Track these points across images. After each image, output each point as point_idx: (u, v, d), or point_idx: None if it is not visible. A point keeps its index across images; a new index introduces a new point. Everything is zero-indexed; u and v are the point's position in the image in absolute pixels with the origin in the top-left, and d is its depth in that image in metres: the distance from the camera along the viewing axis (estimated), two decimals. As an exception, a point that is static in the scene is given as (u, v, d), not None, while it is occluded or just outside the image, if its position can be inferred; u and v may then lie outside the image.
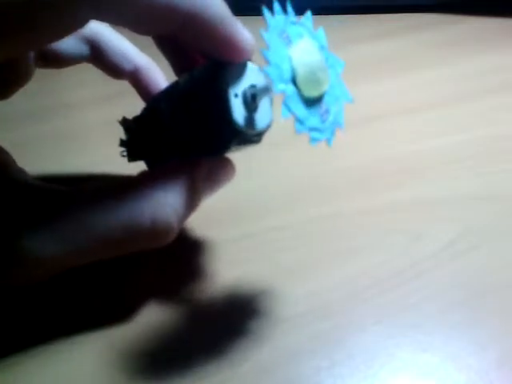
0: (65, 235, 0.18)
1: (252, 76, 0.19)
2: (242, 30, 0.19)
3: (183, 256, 0.25)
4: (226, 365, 0.20)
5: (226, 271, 0.24)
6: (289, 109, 0.16)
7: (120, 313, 0.22)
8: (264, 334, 0.21)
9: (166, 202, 0.19)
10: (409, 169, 0.30)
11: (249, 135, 0.19)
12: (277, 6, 0.17)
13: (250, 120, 0.19)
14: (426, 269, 0.24)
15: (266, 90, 0.18)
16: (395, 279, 0.24)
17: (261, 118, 0.19)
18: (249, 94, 0.19)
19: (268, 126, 0.20)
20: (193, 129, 0.20)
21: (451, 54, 0.40)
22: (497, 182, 0.29)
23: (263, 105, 0.19)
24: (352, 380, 0.20)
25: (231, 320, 0.22)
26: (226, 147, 0.20)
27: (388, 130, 0.33)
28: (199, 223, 0.26)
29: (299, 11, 0.49)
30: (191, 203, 0.20)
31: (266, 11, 0.17)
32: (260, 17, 0.17)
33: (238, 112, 0.19)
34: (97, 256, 0.19)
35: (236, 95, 0.19)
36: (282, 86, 0.16)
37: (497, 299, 0.23)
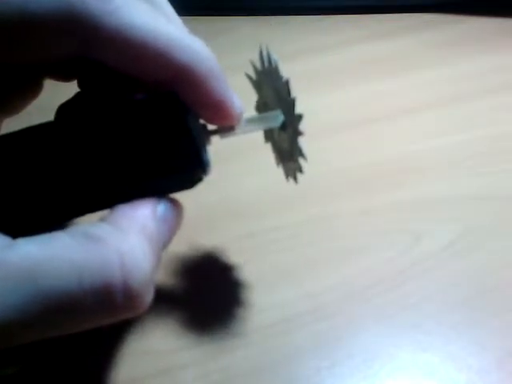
0: (8, 298, 0.14)
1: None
2: (233, 95, 0.18)
3: (182, 256, 0.25)
4: (226, 365, 0.20)
5: (226, 271, 0.24)
6: None
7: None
8: (264, 334, 0.21)
9: (134, 249, 0.15)
10: (409, 169, 0.30)
11: (206, 173, 0.18)
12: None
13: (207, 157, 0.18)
14: (426, 269, 0.24)
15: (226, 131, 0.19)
16: (395, 279, 0.24)
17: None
18: (207, 131, 0.19)
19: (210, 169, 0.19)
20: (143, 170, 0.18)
21: (451, 54, 0.40)
22: (497, 182, 0.29)
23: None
24: (352, 380, 0.20)
25: (230, 320, 0.22)
26: (188, 186, 0.18)
27: (388, 130, 0.33)
28: (199, 223, 0.26)
29: (300, 11, 0.49)
30: (158, 253, 0.17)
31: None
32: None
33: (206, 152, 0.18)
34: (57, 329, 0.15)
35: (202, 133, 0.19)
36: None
37: (497, 299, 0.23)
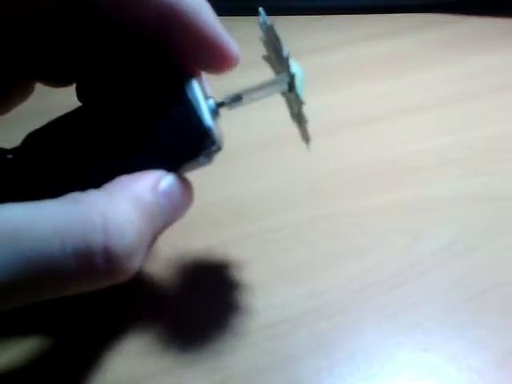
0: None
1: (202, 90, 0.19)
2: (227, 34, 0.18)
3: (183, 255, 0.25)
4: (227, 365, 0.20)
5: (227, 270, 0.24)
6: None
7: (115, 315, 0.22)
8: (264, 334, 0.21)
9: (117, 211, 0.15)
10: (409, 169, 0.30)
11: (214, 143, 0.18)
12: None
13: (215, 128, 0.18)
14: (426, 269, 0.24)
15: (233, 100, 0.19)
16: (395, 279, 0.24)
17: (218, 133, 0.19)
18: (213, 103, 0.19)
19: (221, 145, 0.19)
20: (155, 137, 0.18)
21: (451, 54, 0.40)
22: (496, 182, 0.29)
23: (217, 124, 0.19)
24: (352, 380, 0.20)
25: (231, 320, 0.22)
26: (193, 155, 0.18)
27: (388, 130, 0.33)
28: (199, 223, 0.26)
29: (300, 11, 0.49)
30: (152, 226, 0.16)
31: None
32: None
33: (208, 117, 0.18)
34: (40, 293, 0.15)
35: (205, 101, 0.19)
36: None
37: (497, 299, 0.23)
